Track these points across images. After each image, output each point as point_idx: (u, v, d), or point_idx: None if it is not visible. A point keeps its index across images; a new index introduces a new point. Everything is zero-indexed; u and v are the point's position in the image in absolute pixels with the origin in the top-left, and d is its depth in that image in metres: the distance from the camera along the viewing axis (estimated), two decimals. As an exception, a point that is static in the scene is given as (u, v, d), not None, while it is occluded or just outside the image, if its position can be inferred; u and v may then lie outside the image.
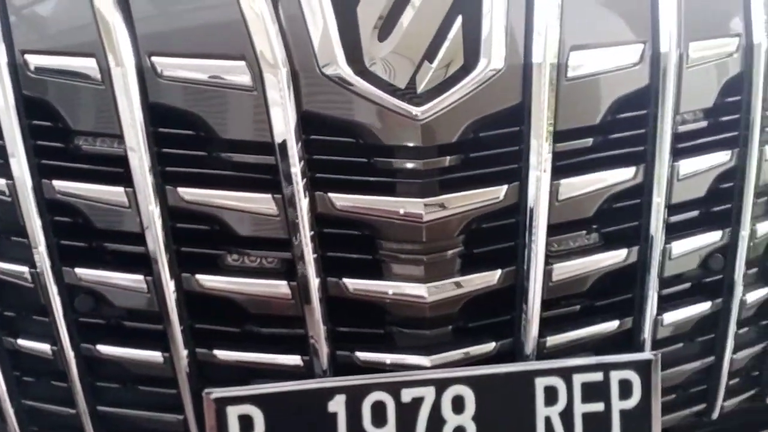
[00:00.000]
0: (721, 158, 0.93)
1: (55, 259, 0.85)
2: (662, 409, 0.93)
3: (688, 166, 0.91)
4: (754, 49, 0.93)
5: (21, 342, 0.88)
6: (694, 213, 0.93)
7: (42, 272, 0.85)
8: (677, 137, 0.90)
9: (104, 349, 0.87)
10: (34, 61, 0.84)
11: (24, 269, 0.86)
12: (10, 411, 0.90)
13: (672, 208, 0.91)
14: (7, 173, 0.84)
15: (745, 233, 0.94)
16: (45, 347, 0.87)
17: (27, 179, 0.84)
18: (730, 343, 0.95)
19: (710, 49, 0.92)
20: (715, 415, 0.96)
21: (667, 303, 0.93)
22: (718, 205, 0.94)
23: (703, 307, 0.94)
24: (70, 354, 0.87)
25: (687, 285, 0.93)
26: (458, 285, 0.84)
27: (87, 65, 0.83)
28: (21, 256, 0.86)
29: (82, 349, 0.87)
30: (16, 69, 0.84)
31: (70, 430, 0.90)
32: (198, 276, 0.85)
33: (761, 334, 0.99)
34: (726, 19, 0.94)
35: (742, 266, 0.95)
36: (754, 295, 0.97)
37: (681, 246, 0.91)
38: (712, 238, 0.93)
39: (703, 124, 0.92)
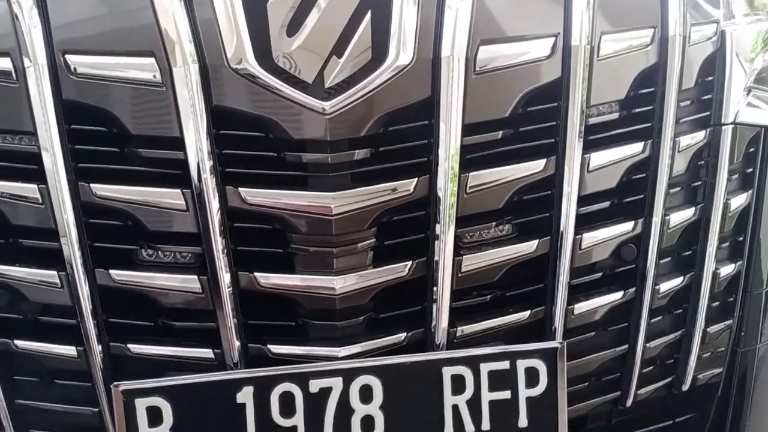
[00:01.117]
0: (634, 149, 0.95)
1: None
2: (576, 397, 0.96)
3: (599, 158, 0.92)
4: (669, 40, 0.96)
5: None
6: (606, 204, 0.95)
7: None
8: (588, 129, 0.92)
9: (21, 343, 0.88)
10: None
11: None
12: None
13: (583, 200, 0.93)
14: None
15: (657, 223, 0.96)
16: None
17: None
18: (642, 332, 0.97)
19: (623, 42, 0.94)
20: (629, 402, 0.98)
21: (579, 293, 0.95)
22: (630, 196, 0.96)
23: (615, 296, 0.96)
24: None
25: (598, 275, 0.95)
26: (368, 277, 0.86)
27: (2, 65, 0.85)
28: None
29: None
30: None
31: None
32: (112, 271, 0.86)
33: (675, 323, 1.01)
34: (641, 11, 0.96)
35: (655, 256, 0.97)
36: (668, 285, 0.99)
37: (592, 237, 0.93)
38: (624, 228, 0.95)
39: (615, 116, 0.94)
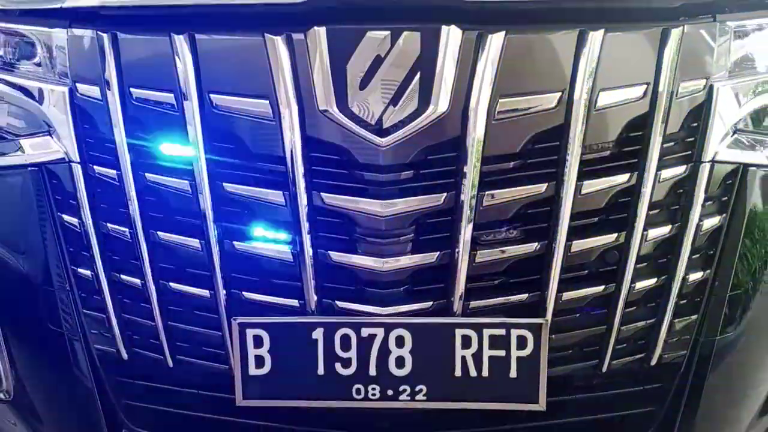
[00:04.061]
0: (619, 179, 1.22)
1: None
2: (560, 361, 1.27)
3: (589, 185, 1.21)
4: (658, 95, 1.20)
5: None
6: (594, 219, 1.23)
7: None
8: (583, 163, 1.20)
9: (175, 285, 1.31)
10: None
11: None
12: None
13: (575, 216, 1.22)
14: None
15: (636, 236, 1.23)
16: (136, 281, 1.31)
17: None
18: (618, 318, 1.26)
19: (619, 95, 1.20)
20: (604, 369, 1.28)
21: (568, 284, 1.24)
22: (616, 214, 1.23)
23: (597, 289, 1.25)
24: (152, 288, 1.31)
25: (585, 272, 1.24)
26: (406, 261, 1.21)
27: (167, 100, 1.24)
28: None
29: (161, 285, 1.30)
30: None
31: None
32: (236, 243, 1.26)
33: (648, 313, 1.28)
34: (638, 70, 1.20)
35: (634, 261, 1.24)
36: (642, 284, 1.26)
37: (579, 244, 1.22)
38: (608, 239, 1.23)
39: (607, 153, 1.21)
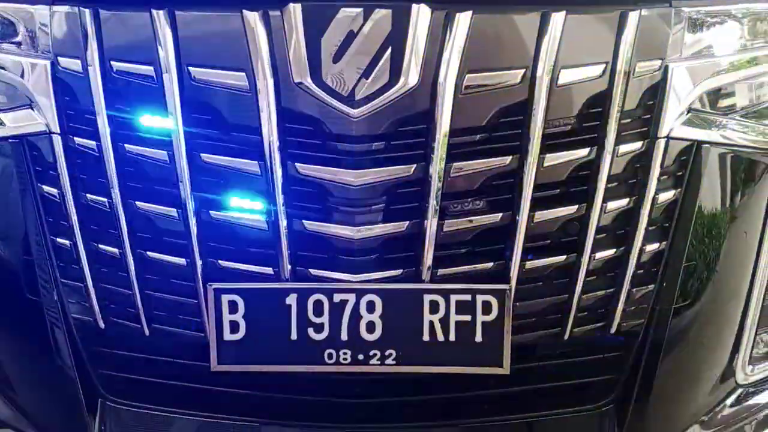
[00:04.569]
0: (580, 153, 1.28)
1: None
2: (523, 329, 1.32)
3: (551, 159, 1.27)
4: (616, 74, 1.27)
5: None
6: (556, 191, 1.29)
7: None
8: (545, 136, 1.26)
9: (152, 254, 1.34)
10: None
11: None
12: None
13: (538, 187, 1.27)
14: None
15: (596, 208, 1.29)
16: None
17: None
18: (579, 287, 1.32)
19: (579, 74, 1.26)
20: (566, 337, 1.33)
21: (531, 253, 1.30)
22: (576, 187, 1.29)
23: (558, 259, 1.31)
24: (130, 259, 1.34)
25: (546, 242, 1.30)
26: (377, 229, 1.26)
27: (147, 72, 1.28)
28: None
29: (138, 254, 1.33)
30: None
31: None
32: (212, 212, 1.30)
33: (607, 283, 1.34)
34: (596, 51, 1.27)
35: (593, 232, 1.30)
36: (602, 254, 1.32)
37: (542, 215, 1.28)
38: (569, 210, 1.29)
39: (567, 128, 1.27)
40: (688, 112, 1.33)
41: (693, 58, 1.33)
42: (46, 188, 1.34)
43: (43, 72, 1.33)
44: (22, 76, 1.35)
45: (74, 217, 1.33)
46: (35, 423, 1.47)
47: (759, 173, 1.43)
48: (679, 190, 1.33)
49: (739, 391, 1.52)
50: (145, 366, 1.38)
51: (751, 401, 1.55)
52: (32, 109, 1.34)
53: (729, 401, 1.51)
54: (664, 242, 1.34)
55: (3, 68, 1.38)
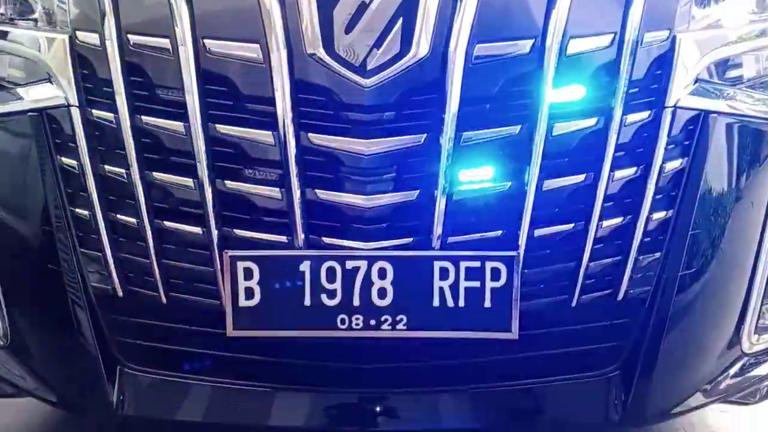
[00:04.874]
0: (589, 122, 1.30)
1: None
2: (531, 295, 1.35)
3: (560, 128, 1.29)
4: (625, 43, 1.28)
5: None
6: (565, 159, 1.31)
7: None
8: (554, 105, 1.28)
9: (169, 224, 1.37)
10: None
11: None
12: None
13: (547, 155, 1.30)
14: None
15: (604, 177, 1.31)
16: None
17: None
18: (587, 254, 1.34)
19: (587, 44, 1.28)
20: (573, 304, 1.36)
21: (539, 222, 1.32)
22: (585, 155, 1.32)
23: (566, 227, 1.33)
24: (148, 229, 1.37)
25: (555, 210, 1.32)
26: (388, 197, 1.28)
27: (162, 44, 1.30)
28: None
29: (156, 224, 1.37)
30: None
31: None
32: (227, 181, 1.32)
33: (614, 251, 1.36)
34: (605, 21, 1.29)
35: (601, 200, 1.32)
36: (609, 222, 1.35)
37: (551, 183, 1.30)
38: (578, 179, 1.32)
39: (577, 96, 1.29)
40: (696, 82, 1.35)
41: (701, 29, 1.35)
42: (65, 160, 1.37)
43: (61, 46, 1.36)
44: (40, 50, 1.39)
45: (93, 188, 1.36)
46: (55, 391, 1.52)
47: (766, 144, 1.46)
48: (686, 159, 1.35)
49: (744, 359, 1.54)
50: (163, 333, 1.42)
51: (755, 371, 1.58)
52: (51, 83, 1.38)
53: (734, 370, 1.54)
54: (671, 211, 1.36)
55: (22, 44, 1.42)
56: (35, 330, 1.52)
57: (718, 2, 1.41)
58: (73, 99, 1.35)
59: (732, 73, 1.44)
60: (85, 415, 1.76)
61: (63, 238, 1.41)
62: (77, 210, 1.39)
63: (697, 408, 1.52)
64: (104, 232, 1.38)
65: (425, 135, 1.27)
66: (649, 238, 1.36)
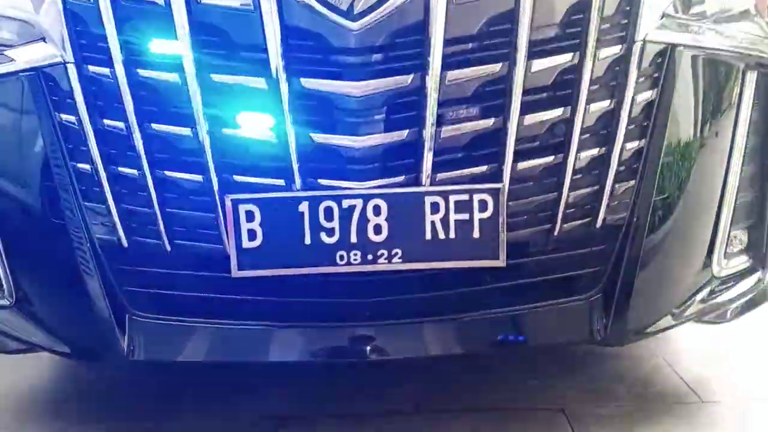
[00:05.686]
0: (564, 58, 1.38)
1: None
2: (516, 226, 1.44)
3: (538, 64, 1.37)
4: (591, -19, 1.36)
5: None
6: (543, 95, 1.39)
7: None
8: (531, 43, 1.36)
9: (170, 173, 1.42)
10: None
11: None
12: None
13: (526, 92, 1.37)
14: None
15: (580, 110, 1.40)
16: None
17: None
18: (567, 184, 1.42)
19: (560, -18, 1.36)
20: (556, 232, 1.45)
21: (521, 156, 1.40)
22: (561, 90, 1.40)
23: (547, 159, 1.41)
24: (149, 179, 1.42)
25: (536, 144, 1.40)
26: (379, 137, 1.35)
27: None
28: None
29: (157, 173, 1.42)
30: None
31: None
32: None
33: (592, 180, 1.45)
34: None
35: (578, 133, 1.41)
36: (587, 153, 1.43)
37: (531, 118, 1.38)
38: (556, 113, 1.40)
39: (552, 34, 1.37)
40: (662, 17, 1.43)
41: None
42: (64, 116, 1.42)
43: (54, 5, 1.40)
44: (36, 11, 1.42)
45: (93, 142, 1.41)
46: (68, 343, 1.58)
47: (729, 75, 1.55)
48: (656, 90, 1.44)
49: (715, 282, 1.66)
50: (169, 280, 1.48)
51: (726, 294, 1.70)
52: (45, 42, 1.41)
53: (705, 292, 1.65)
54: (644, 140, 1.45)
55: (13, 7, 1.45)
56: (43, 283, 1.57)
57: None
58: (69, 56, 1.39)
59: (696, 9, 1.53)
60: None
61: (66, 192, 1.46)
62: (79, 164, 1.43)
63: (672, 327, 1.64)
64: (106, 184, 1.43)
65: (412, 76, 1.34)
66: (623, 167, 1.45)
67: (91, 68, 1.39)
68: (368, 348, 1.48)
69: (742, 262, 1.69)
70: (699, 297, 1.64)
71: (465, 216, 1.38)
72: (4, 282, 1.58)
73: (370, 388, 1.88)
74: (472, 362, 1.98)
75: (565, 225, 1.46)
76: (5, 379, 2.05)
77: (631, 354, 2.07)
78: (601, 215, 1.46)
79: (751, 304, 1.73)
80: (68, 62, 1.39)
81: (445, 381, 1.92)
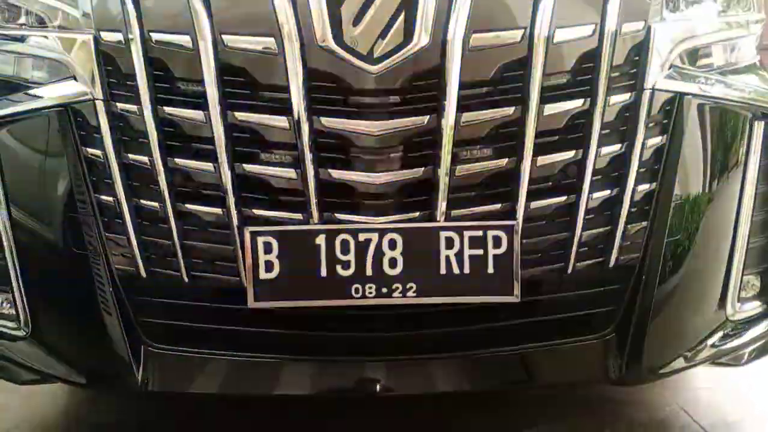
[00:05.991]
0: (576, 104, 1.43)
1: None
2: (530, 264, 1.46)
3: (550, 109, 1.42)
4: (605, 33, 1.42)
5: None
6: (555, 138, 1.43)
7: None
8: (544, 89, 1.41)
9: (191, 206, 1.46)
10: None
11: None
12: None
13: (539, 134, 1.42)
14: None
15: (592, 153, 1.44)
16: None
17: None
18: (579, 224, 1.46)
19: (572, 33, 1.42)
20: (569, 271, 1.47)
21: (534, 195, 1.43)
22: (573, 134, 1.44)
23: (560, 199, 1.45)
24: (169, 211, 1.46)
25: (549, 184, 1.44)
26: (396, 175, 1.39)
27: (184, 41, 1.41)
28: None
29: (177, 207, 1.45)
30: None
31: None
32: (245, 165, 1.42)
33: (605, 221, 1.48)
34: (587, 13, 1.43)
35: (590, 174, 1.45)
36: (599, 194, 1.47)
37: (544, 159, 1.43)
38: (568, 155, 1.44)
39: (564, 81, 1.42)
40: (670, 67, 1.49)
41: (672, 21, 1.49)
42: (90, 150, 1.46)
43: (86, 46, 1.47)
44: (67, 51, 1.49)
45: (117, 175, 1.45)
46: (83, 373, 1.59)
47: (737, 124, 1.59)
48: (665, 135, 1.48)
49: (729, 325, 1.66)
50: (186, 311, 1.50)
51: (741, 337, 1.70)
52: (75, 80, 1.47)
53: (719, 334, 1.65)
54: (655, 183, 1.49)
55: (45, 47, 1.53)
56: (62, 312, 1.59)
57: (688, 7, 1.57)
58: (98, 93, 1.45)
59: (703, 61, 1.59)
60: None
61: (88, 224, 1.50)
62: (102, 197, 1.47)
63: (687, 368, 1.64)
64: (128, 216, 1.47)
65: (428, 117, 1.39)
66: (635, 209, 1.48)
67: (119, 105, 1.45)
68: (379, 385, 1.48)
69: (755, 306, 1.69)
70: (713, 339, 1.64)
71: (479, 251, 1.40)
72: (20, 312, 1.60)
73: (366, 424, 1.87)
74: (480, 401, 1.97)
75: (578, 264, 1.48)
76: (18, 410, 2.05)
77: (644, 399, 2.05)
78: (614, 255, 1.48)
79: (766, 349, 1.73)
80: (97, 99, 1.45)
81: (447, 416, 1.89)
